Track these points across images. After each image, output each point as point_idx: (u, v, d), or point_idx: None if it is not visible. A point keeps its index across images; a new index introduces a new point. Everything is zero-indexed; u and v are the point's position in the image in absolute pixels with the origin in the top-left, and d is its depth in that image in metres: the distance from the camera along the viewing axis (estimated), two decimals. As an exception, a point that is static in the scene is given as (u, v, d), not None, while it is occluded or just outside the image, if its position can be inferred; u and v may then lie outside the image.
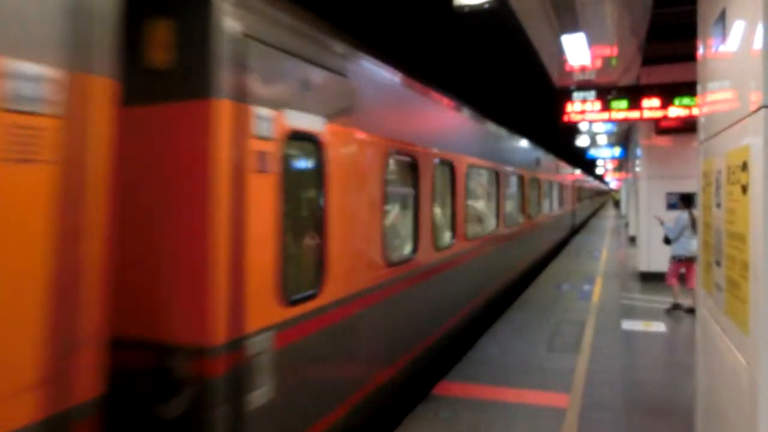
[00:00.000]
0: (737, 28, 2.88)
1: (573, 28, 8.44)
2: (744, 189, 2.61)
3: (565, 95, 11.08)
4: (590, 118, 11.14)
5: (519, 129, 12.72)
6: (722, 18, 3.21)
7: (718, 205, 3.20)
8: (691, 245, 9.41)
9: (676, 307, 9.90)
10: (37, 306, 2.00)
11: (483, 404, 5.71)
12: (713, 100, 3.62)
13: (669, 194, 12.64)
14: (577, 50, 9.61)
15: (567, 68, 11.22)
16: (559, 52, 9.90)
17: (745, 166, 2.60)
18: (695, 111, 9.72)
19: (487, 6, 6.32)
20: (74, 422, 2.09)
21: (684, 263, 9.78)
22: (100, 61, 2.26)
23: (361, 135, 4.72)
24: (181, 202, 3.19)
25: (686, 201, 9.89)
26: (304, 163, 4.29)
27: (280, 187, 3.61)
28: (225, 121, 3.18)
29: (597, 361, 7.02)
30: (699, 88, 4.22)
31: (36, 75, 2.01)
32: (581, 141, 24.14)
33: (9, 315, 1.91)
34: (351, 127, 4.54)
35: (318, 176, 4.15)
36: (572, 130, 20.93)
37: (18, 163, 1.96)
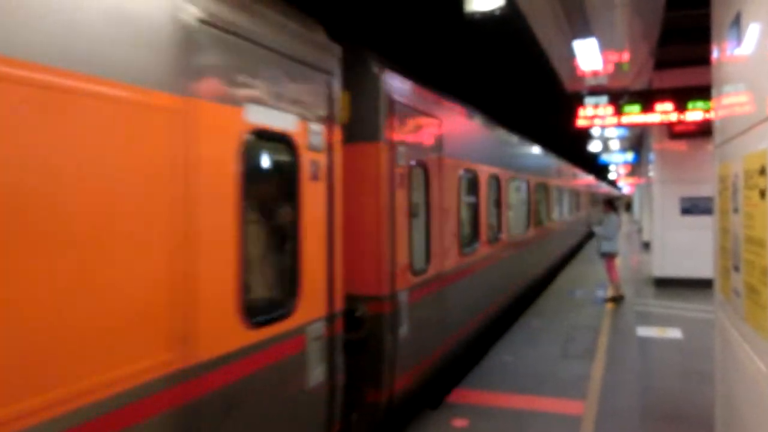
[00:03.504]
0: (753, 31, 2.86)
1: (584, 32, 8.42)
2: (762, 193, 2.58)
3: (577, 100, 11.04)
4: (603, 123, 11.09)
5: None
6: (737, 21, 3.18)
7: (736, 210, 3.16)
8: (617, 242, 11.52)
9: (620, 297, 11.19)
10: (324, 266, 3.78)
11: (497, 412, 5.67)
12: (729, 103, 3.59)
13: (683, 199, 12.54)
14: (588, 55, 9.58)
15: (578, 73, 11.18)
16: (571, 56, 9.87)
17: (763, 171, 2.57)
18: (710, 115, 9.66)
19: (498, 12, 6.32)
20: (336, 318, 3.96)
21: (611, 258, 11.28)
22: (337, 119, 4.03)
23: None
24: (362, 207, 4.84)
25: (611, 205, 11.74)
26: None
27: (408, 195, 5.36)
28: (385, 155, 4.92)
29: (612, 368, 6.96)
30: (714, 91, 4.18)
31: (317, 130, 3.79)
32: (593, 146, 24.03)
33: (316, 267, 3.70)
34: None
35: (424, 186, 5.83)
36: (585, 135, 20.85)
37: (313, 180, 3.72)
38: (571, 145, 27.08)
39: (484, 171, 8.15)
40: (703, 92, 9.88)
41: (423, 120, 5.85)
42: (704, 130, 11.20)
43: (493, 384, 6.43)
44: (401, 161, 5.17)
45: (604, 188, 44.64)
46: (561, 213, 17.50)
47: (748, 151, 2.88)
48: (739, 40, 3.16)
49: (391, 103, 5.04)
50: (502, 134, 9.68)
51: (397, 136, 5.12)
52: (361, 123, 4.85)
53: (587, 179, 27.83)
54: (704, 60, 4.73)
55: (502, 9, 6.52)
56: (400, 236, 5.14)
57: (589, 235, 25.46)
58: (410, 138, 5.44)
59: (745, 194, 2.93)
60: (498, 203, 9.06)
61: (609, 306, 10.81)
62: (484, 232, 7.98)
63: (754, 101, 2.84)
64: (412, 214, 5.50)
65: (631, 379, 6.58)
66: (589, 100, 10.90)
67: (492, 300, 8.57)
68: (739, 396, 3.21)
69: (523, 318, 9.85)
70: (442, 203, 6.29)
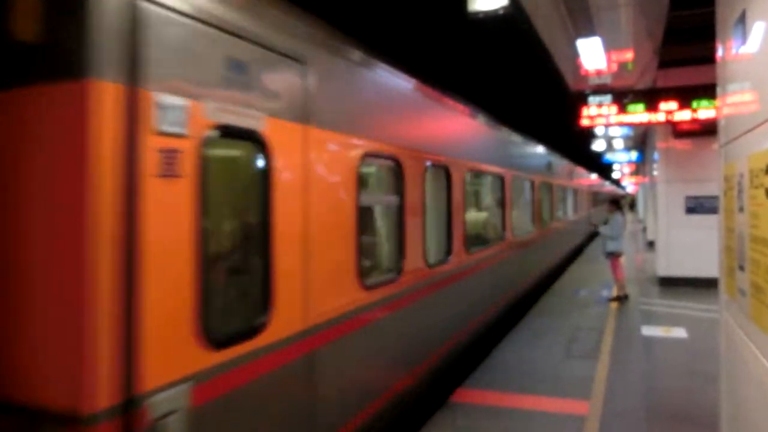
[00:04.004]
0: (758, 29, 2.84)
1: (588, 32, 8.40)
2: (768, 192, 2.56)
3: (581, 99, 11.01)
4: (607, 122, 11.07)
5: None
6: (742, 19, 3.17)
7: (741, 209, 3.15)
8: (623, 242, 11.44)
9: (625, 297, 11.17)
10: None
11: (501, 411, 5.66)
12: (734, 102, 3.57)
13: (688, 198, 12.51)
14: (592, 54, 9.56)
15: (582, 72, 11.16)
16: (575, 56, 9.86)
17: (768, 169, 2.56)
18: (714, 113, 9.63)
19: (501, 11, 6.30)
20: None
21: (617, 258, 11.28)
22: None
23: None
24: (51, 213, 2.42)
25: (617, 204, 11.63)
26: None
27: (198, 196, 2.84)
28: (108, 109, 2.39)
29: (617, 368, 6.93)
30: (719, 90, 4.16)
31: None
32: (597, 145, 24.00)
33: None
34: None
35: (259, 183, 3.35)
36: (589, 134, 20.81)
37: None
38: (575, 144, 27.05)
39: (416, 158, 5.47)
40: (708, 91, 9.86)
41: (253, 54, 3.25)
42: (709, 129, 11.17)
43: (497, 384, 6.41)
44: (170, 126, 2.66)
45: (607, 187, 44.40)
46: (555, 216, 14.63)
47: (754, 150, 2.87)
48: (744, 38, 3.15)
49: (136, 6, 2.52)
50: (458, 110, 7.10)
51: (158, 73, 2.61)
52: (56, 45, 2.42)
53: (589, 177, 26.51)
54: (709, 59, 4.72)
55: (505, 8, 6.51)
56: (160, 273, 2.60)
57: (591, 237, 24.94)
58: (203, 82, 2.89)
59: (750, 194, 2.92)
60: (447, 206, 6.48)
61: (613, 305, 10.79)
62: (413, 251, 5.42)
63: (760, 100, 2.82)
64: (209, 228, 3.01)
65: (636, 379, 6.56)
66: (592, 100, 10.87)
67: (427, 352, 5.75)
68: (745, 396, 3.20)
69: (526, 318, 9.82)
70: (312, 208, 3.72)
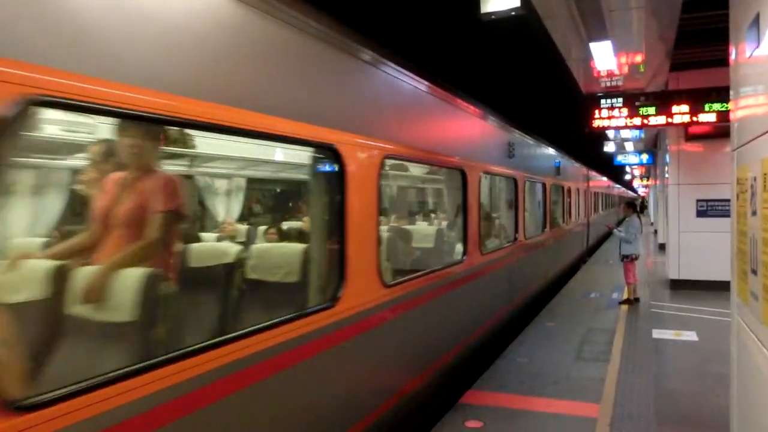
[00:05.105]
0: (772, 32, 2.84)
1: (600, 34, 8.38)
2: (781, 196, 2.56)
3: (593, 102, 10.99)
4: (618, 125, 11.04)
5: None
6: (756, 22, 3.16)
7: (754, 213, 3.15)
8: (639, 245, 11.38)
9: (636, 300, 11.10)
10: None
11: (511, 413, 5.66)
12: (747, 105, 3.57)
13: (699, 201, 12.46)
14: (604, 57, 9.54)
15: (595, 74, 11.14)
16: (587, 58, 9.84)
17: (782, 173, 2.56)
18: (726, 116, 9.58)
19: (513, 14, 6.31)
20: None
21: (631, 261, 11.10)
22: None
23: None
24: None
25: (633, 207, 11.86)
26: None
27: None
28: None
29: (627, 371, 6.92)
30: (732, 93, 4.15)
31: None
32: (608, 148, 23.90)
33: None
34: None
35: None
36: (600, 136, 20.72)
37: None
38: (587, 146, 26.93)
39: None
40: (721, 94, 9.81)
41: None
42: (721, 132, 11.11)
43: (507, 386, 6.42)
44: None
45: (617, 190, 44.02)
46: (542, 224, 11.80)
47: (767, 154, 2.86)
48: (757, 41, 3.15)
49: None
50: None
51: None
52: None
53: (596, 178, 25.06)
54: (722, 61, 4.71)
55: (517, 10, 6.50)
56: None
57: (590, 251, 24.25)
58: None
59: (763, 197, 2.92)
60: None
61: (624, 308, 10.76)
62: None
63: (773, 103, 2.82)
64: None
65: (647, 382, 6.54)
66: (604, 102, 10.85)
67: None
68: (756, 400, 3.19)
69: (537, 320, 9.82)
70: None
